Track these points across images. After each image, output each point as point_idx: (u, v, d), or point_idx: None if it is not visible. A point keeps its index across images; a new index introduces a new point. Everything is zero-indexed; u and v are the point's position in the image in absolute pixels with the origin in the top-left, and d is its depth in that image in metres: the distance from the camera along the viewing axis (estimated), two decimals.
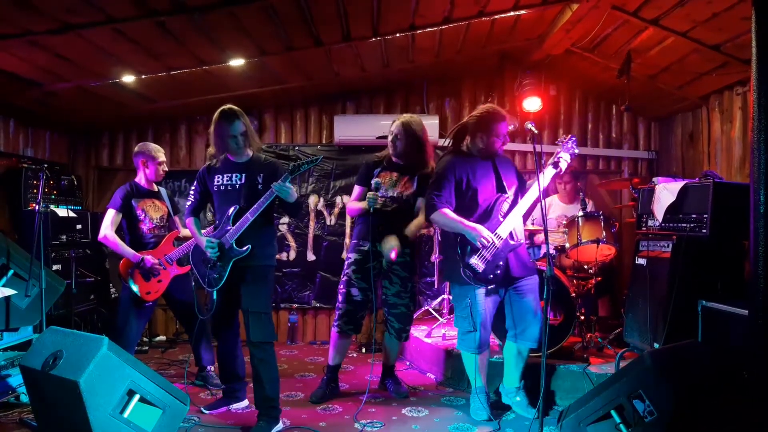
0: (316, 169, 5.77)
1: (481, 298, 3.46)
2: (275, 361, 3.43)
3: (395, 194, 3.86)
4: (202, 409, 3.69)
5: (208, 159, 3.55)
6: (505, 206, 3.47)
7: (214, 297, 3.50)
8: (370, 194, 3.71)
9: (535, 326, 3.49)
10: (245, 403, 3.80)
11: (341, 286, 3.95)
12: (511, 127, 5.60)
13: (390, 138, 3.89)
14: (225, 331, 3.64)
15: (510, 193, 3.52)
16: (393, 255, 3.68)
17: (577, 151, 3.63)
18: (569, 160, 3.57)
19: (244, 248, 3.34)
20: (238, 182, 3.42)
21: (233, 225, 3.35)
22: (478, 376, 3.58)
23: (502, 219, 3.42)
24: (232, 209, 3.38)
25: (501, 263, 3.40)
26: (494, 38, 4.92)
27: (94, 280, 5.03)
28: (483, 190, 3.48)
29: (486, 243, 3.33)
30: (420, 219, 3.85)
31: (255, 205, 3.29)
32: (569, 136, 3.63)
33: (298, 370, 4.77)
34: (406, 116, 3.89)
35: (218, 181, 3.46)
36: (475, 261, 3.36)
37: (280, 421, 3.41)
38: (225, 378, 3.78)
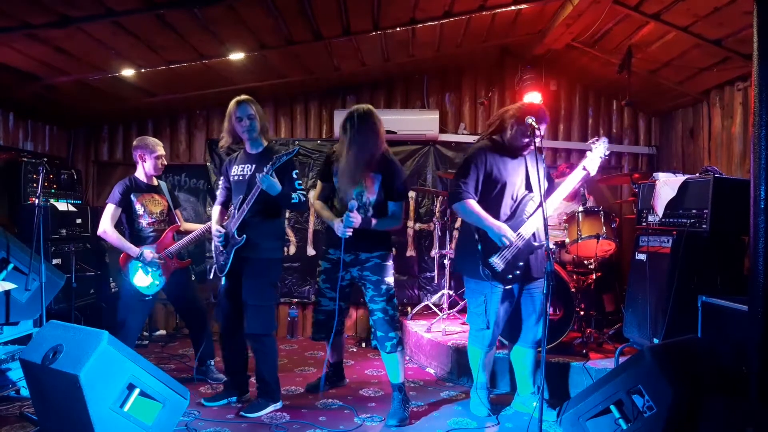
0: (316, 163, 5.77)
1: (497, 296, 3.38)
2: (273, 351, 3.58)
3: (354, 196, 3.45)
4: (202, 401, 3.71)
5: (221, 146, 3.72)
6: (531, 206, 3.38)
7: (223, 283, 3.67)
8: (343, 223, 3.35)
9: (535, 331, 3.48)
10: (247, 395, 3.82)
11: (313, 296, 3.85)
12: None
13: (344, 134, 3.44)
14: (230, 323, 3.67)
15: (536, 193, 3.41)
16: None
17: (607, 152, 3.48)
18: (599, 159, 3.46)
19: (240, 238, 3.48)
20: (248, 173, 3.55)
21: (238, 214, 3.51)
22: (482, 372, 3.58)
23: (526, 218, 3.33)
24: (238, 199, 3.54)
25: (521, 263, 3.32)
26: (495, 33, 4.90)
27: (94, 275, 5.03)
28: (511, 185, 3.38)
29: (509, 242, 3.25)
30: (391, 222, 3.53)
31: (249, 196, 3.43)
32: (600, 137, 3.50)
33: (298, 365, 4.77)
34: (360, 108, 3.43)
35: (234, 172, 3.64)
36: (495, 260, 3.29)
37: (280, 402, 3.59)
38: (228, 370, 3.84)
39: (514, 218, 3.36)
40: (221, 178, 3.80)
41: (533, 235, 3.35)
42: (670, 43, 4.30)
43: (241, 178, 3.58)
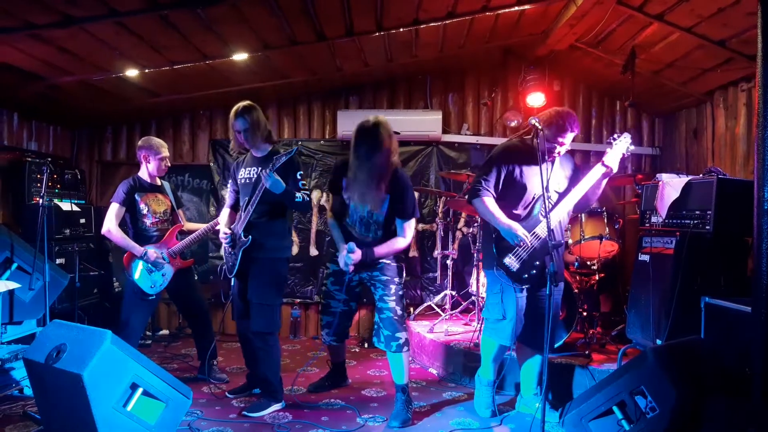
0: (319, 164, 5.78)
1: (514, 289, 3.34)
2: (277, 350, 3.64)
3: (365, 213, 3.49)
4: (226, 393, 3.88)
5: (231, 150, 3.83)
6: (548, 205, 3.28)
7: (233, 283, 3.77)
8: (345, 260, 3.44)
9: (541, 336, 3.43)
10: None
11: (322, 298, 3.89)
12: (513, 123, 5.66)
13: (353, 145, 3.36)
14: (246, 319, 3.72)
15: (553, 194, 3.39)
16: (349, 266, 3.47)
17: (631, 148, 3.41)
18: (621, 155, 3.37)
19: (246, 239, 3.53)
20: (254, 176, 3.60)
21: (244, 216, 3.56)
22: (492, 368, 3.55)
23: (542, 218, 3.29)
24: (244, 201, 3.60)
25: (537, 263, 3.29)
26: (498, 33, 4.90)
27: (98, 274, 5.04)
28: (532, 188, 3.37)
29: (519, 241, 3.23)
30: (395, 245, 3.49)
31: (253, 196, 3.47)
32: (623, 133, 3.42)
33: (300, 365, 4.77)
34: (368, 123, 3.30)
35: (242, 175, 3.69)
36: (509, 260, 3.28)
37: (282, 402, 3.64)
38: (249, 365, 3.96)
39: (530, 218, 3.35)
40: (230, 181, 3.85)
41: (550, 233, 3.25)
42: (673, 43, 4.29)
43: (248, 180, 3.63)
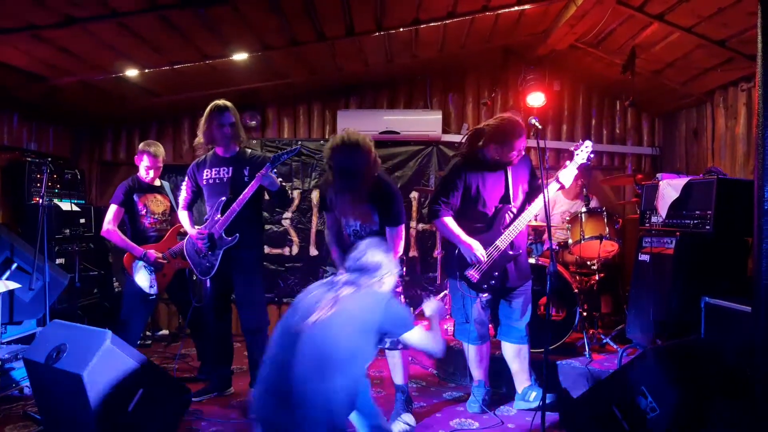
0: (319, 164, 5.78)
1: (473, 298, 3.49)
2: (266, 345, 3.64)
3: (357, 227, 3.43)
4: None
5: (195, 149, 3.80)
6: (508, 217, 3.43)
7: (208, 285, 3.71)
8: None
9: (518, 326, 3.53)
10: (231, 390, 3.93)
11: None
12: None
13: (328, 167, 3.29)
14: (218, 318, 3.77)
15: (514, 205, 3.45)
16: None
17: (590, 155, 3.46)
18: (576, 170, 3.46)
19: (232, 237, 3.53)
20: (226, 175, 3.60)
21: (222, 216, 3.51)
22: (476, 368, 3.63)
23: (503, 230, 3.39)
24: (220, 201, 3.56)
25: (497, 273, 3.40)
26: (498, 33, 4.90)
27: (98, 274, 5.05)
28: (489, 199, 3.43)
29: (476, 260, 3.34)
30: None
31: (241, 196, 3.46)
32: (582, 142, 3.47)
33: None
34: (339, 139, 3.17)
35: (207, 175, 3.64)
36: (470, 272, 3.39)
37: None
38: (215, 364, 3.92)
39: (491, 230, 3.42)
40: (186, 181, 3.78)
41: (510, 245, 3.40)
42: (674, 43, 4.28)
43: (217, 180, 3.61)
